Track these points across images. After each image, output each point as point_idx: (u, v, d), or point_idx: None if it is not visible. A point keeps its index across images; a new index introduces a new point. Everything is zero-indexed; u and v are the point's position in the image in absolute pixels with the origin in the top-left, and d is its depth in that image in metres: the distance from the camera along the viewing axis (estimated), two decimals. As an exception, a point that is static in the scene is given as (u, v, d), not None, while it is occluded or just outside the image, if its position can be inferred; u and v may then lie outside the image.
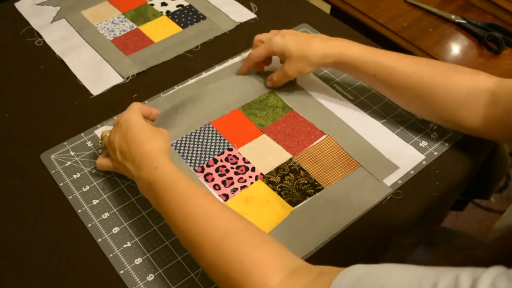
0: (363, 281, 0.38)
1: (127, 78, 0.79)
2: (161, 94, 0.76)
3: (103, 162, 0.64)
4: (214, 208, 0.52)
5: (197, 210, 0.51)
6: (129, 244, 0.59)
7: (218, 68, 0.81)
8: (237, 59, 0.82)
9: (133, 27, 0.88)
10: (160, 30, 0.87)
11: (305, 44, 0.70)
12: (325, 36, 0.72)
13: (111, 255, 0.58)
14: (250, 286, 0.44)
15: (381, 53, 0.68)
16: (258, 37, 0.75)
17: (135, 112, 0.61)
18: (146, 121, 0.62)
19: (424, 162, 0.68)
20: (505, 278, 0.30)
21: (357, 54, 0.68)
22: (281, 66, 0.74)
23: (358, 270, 0.39)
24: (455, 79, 0.64)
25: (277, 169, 0.67)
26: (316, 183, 0.65)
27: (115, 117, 0.72)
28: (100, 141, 0.65)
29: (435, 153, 0.69)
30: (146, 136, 0.58)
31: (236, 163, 0.68)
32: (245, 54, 0.83)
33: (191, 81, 0.78)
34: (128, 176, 0.60)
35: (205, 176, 0.66)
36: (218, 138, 0.70)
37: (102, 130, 0.66)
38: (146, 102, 0.75)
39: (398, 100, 0.71)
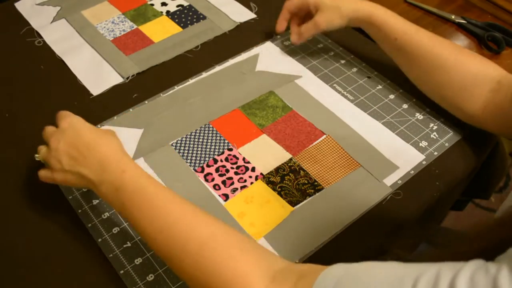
0: (343, 283, 0.38)
1: (127, 78, 0.79)
2: (161, 94, 0.76)
3: (44, 173, 0.58)
4: (189, 215, 0.49)
5: (171, 219, 0.48)
6: (129, 244, 0.59)
7: (218, 68, 0.81)
8: (237, 59, 0.82)
9: (133, 27, 0.88)
10: (160, 30, 0.87)
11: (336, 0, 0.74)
12: None
13: (111, 255, 0.58)
14: None
15: (406, 21, 0.72)
16: None
17: (75, 116, 0.58)
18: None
19: (424, 162, 0.68)
20: (483, 271, 0.31)
21: (384, 15, 0.72)
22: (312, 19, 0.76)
23: (337, 271, 0.39)
24: (467, 61, 0.66)
25: (277, 169, 0.67)
26: (316, 183, 0.65)
27: (115, 117, 0.72)
28: (36, 155, 0.58)
29: (435, 153, 0.69)
30: (100, 139, 0.55)
31: (236, 163, 0.68)
32: (245, 54, 0.83)
33: (191, 81, 0.78)
34: (80, 185, 0.55)
35: (205, 176, 0.66)
36: (218, 138, 0.70)
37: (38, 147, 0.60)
38: (146, 102, 0.75)
39: (409, 69, 0.73)
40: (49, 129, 0.58)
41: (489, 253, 0.33)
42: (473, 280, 0.31)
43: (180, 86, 0.77)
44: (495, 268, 0.31)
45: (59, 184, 0.59)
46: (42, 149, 0.58)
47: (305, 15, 0.79)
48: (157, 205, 0.50)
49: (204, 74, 0.80)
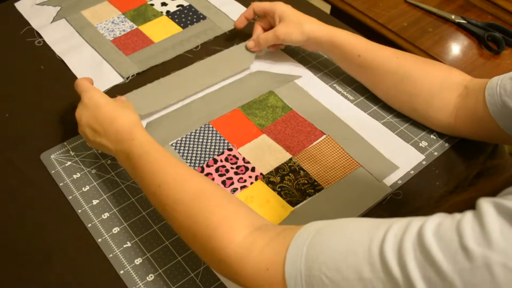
0: (321, 234, 0.41)
1: (127, 78, 0.79)
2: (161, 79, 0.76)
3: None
4: (185, 173, 0.54)
5: (169, 176, 0.54)
6: (129, 244, 0.59)
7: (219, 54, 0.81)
8: (237, 46, 0.82)
9: (133, 27, 0.88)
10: (160, 30, 0.87)
11: (303, 16, 0.75)
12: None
13: (111, 255, 0.58)
14: (216, 241, 0.47)
15: (368, 40, 0.73)
16: (257, 4, 0.79)
17: (95, 89, 0.63)
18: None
19: (424, 162, 0.68)
20: (449, 218, 0.35)
21: (346, 34, 0.72)
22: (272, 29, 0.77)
23: (317, 224, 0.43)
24: (432, 69, 0.68)
25: (277, 169, 0.67)
26: (316, 183, 0.65)
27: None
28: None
29: (435, 153, 0.69)
30: (117, 112, 0.60)
31: (236, 163, 0.68)
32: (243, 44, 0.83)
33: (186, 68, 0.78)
34: (105, 151, 0.62)
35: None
36: (218, 138, 0.70)
37: None
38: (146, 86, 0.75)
39: (376, 86, 0.74)
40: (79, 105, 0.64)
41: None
42: (440, 224, 0.34)
43: (177, 73, 0.78)
44: (460, 215, 0.34)
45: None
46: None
47: (269, 26, 0.80)
48: (158, 165, 0.55)
49: (204, 61, 0.80)
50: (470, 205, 0.35)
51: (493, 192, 0.35)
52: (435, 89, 0.66)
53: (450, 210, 0.36)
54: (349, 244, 0.38)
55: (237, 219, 0.49)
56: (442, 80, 0.66)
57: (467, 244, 0.32)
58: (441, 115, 0.67)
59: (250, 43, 0.79)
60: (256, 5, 0.79)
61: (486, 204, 0.33)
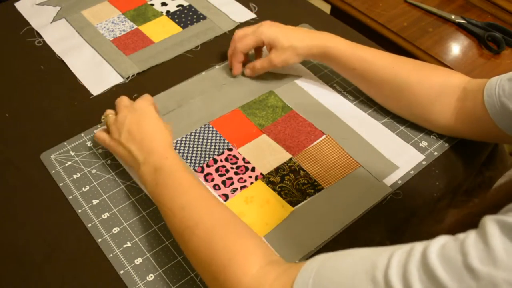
0: (326, 265, 0.41)
1: (127, 78, 0.79)
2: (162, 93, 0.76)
3: (102, 135, 0.65)
4: (210, 199, 0.55)
5: (194, 199, 0.54)
6: (129, 244, 0.59)
7: (218, 68, 0.81)
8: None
9: (133, 27, 0.88)
10: (160, 30, 0.87)
11: (292, 35, 0.73)
12: (309, 29, 0.75)
13: (111, 255, 0.58)
14: (231, 272, 0.47)
15: (362, 48, 0.71)
16: (240, 32, 0.76)
17: (150, 103, 0.65)
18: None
19: (424, 162, 0.68)
20: (452, 239, 0.34)
21: (339, 47, 0.71)
22: (266, 55, 0.75)
23: (321, 257, 0.43)
24: (430, 74, 0.67)
25: (277, 169, 0.67)
26: (316, 183, 0.65)
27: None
28: (103, 117, 0.66)
29: (435, 153, 0.69)
30: (159, 129, 0.62)
31: (236, 163, 0.68)
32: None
33: (190, 80, 0.79)
34: (125, 159, 0.62)
35: (205, 176, 0.66)
36: (218, 138, 0.70)
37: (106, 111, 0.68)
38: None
39: (375, 94, 0.73)
40: (125, 101, 0.66)
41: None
42: (444, 245, 0.34)
43: (180, 85, 0.77)
44: (463, 235, 0.34)
45: (109, 150, 0.65)
46: (110, 114, 0.66)
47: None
48: (184, 187, 0.55)
49: (204, 73, 0.80)
50: (472, 221, 0.34)
51: (494, 207, 0.35)
52: (434, 95, 0.66)
53: (452, 227, 0.36)
54: (354, 273, 0.38)
55: (254, 252, 0.49)
56: (441, 85, 0.66)
57: (472, 263, 0.31)
58: (441, 119, 0.67)
59: (247, 71, 0.78)
60: (241, 46, 0.75)
61: (489, 223, 0.33)
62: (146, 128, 0.61)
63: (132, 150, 0.60)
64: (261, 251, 0.49)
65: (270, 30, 0.73)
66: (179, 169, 0.57)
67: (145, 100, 0.66)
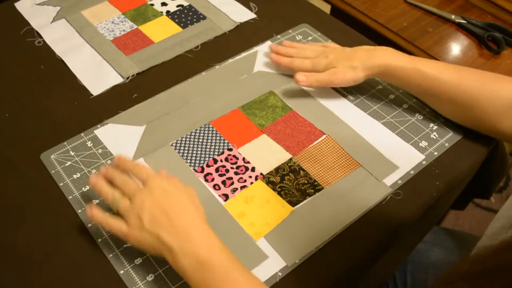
0: None
1: (127, 78, 0.79)
2: (162, 93, 0.76)
3: (118, 224, 0.54)
4: None
5: None
6: (129, 244, 0.59)
7: (218, 68, 0.81)
8: (237, 59, 0.82)
9: (133, 27, 0.88)
10: (160, 30, 0.87)
11: (350, 58, 0.72)
12: (368, 46, 0.73)
13: (111, 255, 0.58)
14: None
15: (425, 63, 0.68)
16: (312, 51, 0.76)
17: (164, 178, 0.57)
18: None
19: (424, 162, 0.68)
20: None
21: (401, 64, 0.68)
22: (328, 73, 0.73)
23: None
24: (498, 88, 0.65)
25: (277, 169, 0.67)
26: (316, 183, 0.65)
27: (119, 113, 0.72)
28: (111, 201, 0.56)
29: (435, 153, 0.69)
30: (187, 207, 0.54)
31: (236, 163, 0.68)
32: (245, 54, 0.83)
33: (190, 80, 0.79)
34: (152, 247, 0.53)
35: (205, 176, 0.66)
36: (218, 138, 0.70)
37: (106, 192, 0.57)
38: (149, 99, 0.75)
39: (440, 108, 0.72)
40: (132, 184, 0.56)
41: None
42: None
43: (180, 85, 0.77)
44: None
45: (127, 241, 0.55)
46: (118, 197, 0.56)
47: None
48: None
49: (204, 73, 0.80)
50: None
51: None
52: (503, 110, 0.64)
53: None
54: None
55: None
56: (508, 98, 0.64)
57: None
58: (506, 130, 0.65)
59: (300, 76, 0.73)
60: (298, 66, 0.74)
61: None
62: (173, 211, 0.53)
63: (163, 236, 0.51)
64: None
65: (325, 60, 0.73)
66: (230, 267, 0.50)
67: (156, 177, 0.56)
